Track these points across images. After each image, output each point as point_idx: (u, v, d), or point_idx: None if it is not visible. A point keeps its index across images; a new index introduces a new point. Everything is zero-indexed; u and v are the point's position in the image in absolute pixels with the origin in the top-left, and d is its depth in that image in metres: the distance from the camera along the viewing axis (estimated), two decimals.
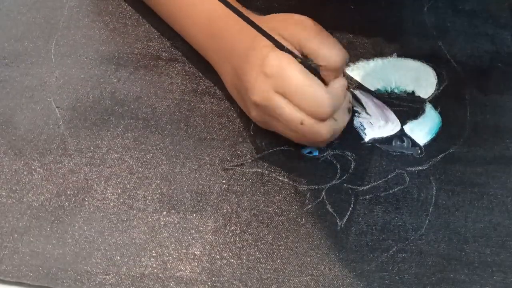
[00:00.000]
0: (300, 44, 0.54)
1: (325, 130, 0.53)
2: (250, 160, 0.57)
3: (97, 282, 0.50)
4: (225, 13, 0.57)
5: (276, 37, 0.53)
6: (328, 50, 0.54)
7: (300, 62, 0.53)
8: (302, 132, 0.53)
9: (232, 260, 0.52)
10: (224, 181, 0.56)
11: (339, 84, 0.54)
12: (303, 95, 0.52)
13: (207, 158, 0.57)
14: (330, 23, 0.57)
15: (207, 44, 0.61)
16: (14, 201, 0.55)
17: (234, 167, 0.57)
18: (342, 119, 0.55)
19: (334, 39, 0.55)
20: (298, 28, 0.55)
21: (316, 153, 0.58)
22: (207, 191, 0.55)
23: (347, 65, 0.58)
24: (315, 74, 0.53)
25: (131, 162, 0.57)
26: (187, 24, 0.62)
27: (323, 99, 0.52)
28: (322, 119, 0.53)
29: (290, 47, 0.53)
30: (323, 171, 0.57)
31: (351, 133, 0.59)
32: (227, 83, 0.60)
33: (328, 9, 0.57)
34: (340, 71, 0.55)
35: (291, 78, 0.52)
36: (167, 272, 0.51)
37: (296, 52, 0.54)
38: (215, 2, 0.58)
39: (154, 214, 0.54)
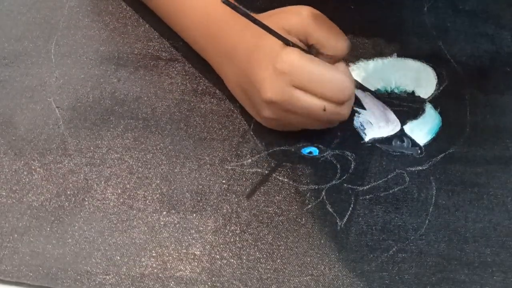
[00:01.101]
0: (306, 35, 0.55)
1: (345, 109, 0.55)
2: (250, 160, 0.57)
3: (97, 282, 0.50)
4: (224, 13, 0.57)
5: (281, 32, 0.53)
6: (334, 41, 0.55)
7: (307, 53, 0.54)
8: (324, 118, 0.54)
9: (232, 260, 0.52)
10: (224, 181, 0.56)
11: (342, 66, 0.56)
12: (326, 82, 0.53)
13: (207, 158, 0.57)
14: None
15: (207, 45, 0.61)
16: (14, 201, 0.55)
17: (234, 167, 0.57)
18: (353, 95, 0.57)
19: (338, 28, 0.56)
20: (301, 19, 0.55)
21: (316, 153, 0.58)
22: (207, 191, 0.55)
23: (347, 64, 0.58)
24: None
25: (131, 162, 0.57)
26: (185, 24, 0.62)
27: (344, 82, 0.54)
28: (344, 101, 0.54)
29: (294, 40, 0.54)
30: (323, 171, 0.57)
31: (351, 133, 0.59)
32: (229, 83, 0.60)
33: (328, 9, 0.57)
34: (341, 58, 0.56)
35: (310, 70, 0.53)
36: (167, 272, 0.51)
37: (301, 45, 0.54)
38: (214, 3, 0.58)
39: (154, 214, 0.54)
